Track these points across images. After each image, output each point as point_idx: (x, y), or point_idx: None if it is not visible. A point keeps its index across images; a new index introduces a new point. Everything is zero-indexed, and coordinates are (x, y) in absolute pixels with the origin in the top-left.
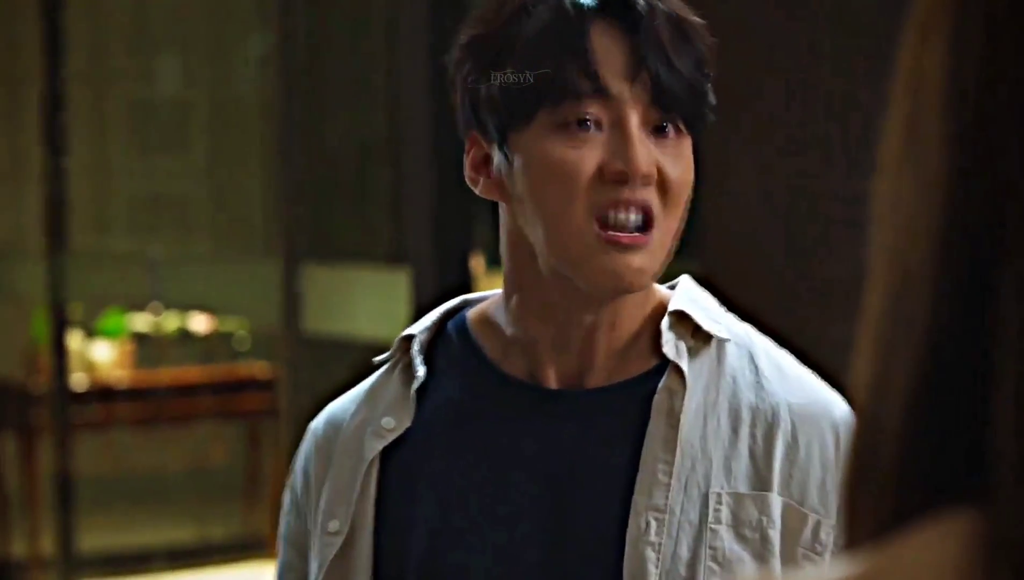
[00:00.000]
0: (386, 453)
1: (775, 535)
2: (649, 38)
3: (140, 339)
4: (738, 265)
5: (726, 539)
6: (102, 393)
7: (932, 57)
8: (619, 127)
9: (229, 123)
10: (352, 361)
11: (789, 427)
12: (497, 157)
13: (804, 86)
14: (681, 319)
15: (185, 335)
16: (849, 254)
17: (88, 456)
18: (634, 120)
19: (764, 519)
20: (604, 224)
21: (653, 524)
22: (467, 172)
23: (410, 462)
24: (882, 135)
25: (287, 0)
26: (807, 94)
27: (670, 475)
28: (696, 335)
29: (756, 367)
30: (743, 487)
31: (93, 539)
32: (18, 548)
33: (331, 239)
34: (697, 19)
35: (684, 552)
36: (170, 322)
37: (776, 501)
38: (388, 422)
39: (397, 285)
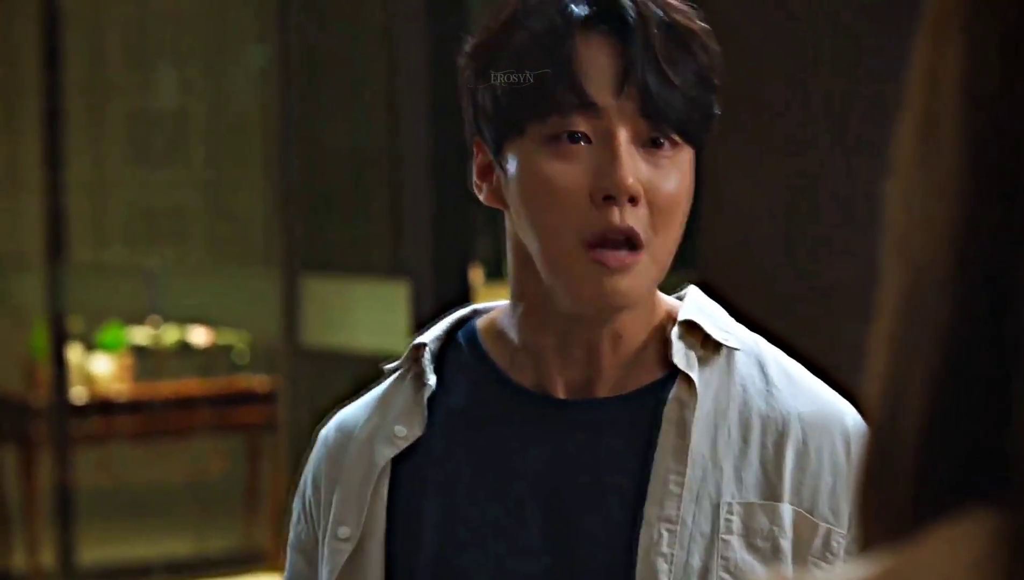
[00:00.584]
0: (396, 460)
1: (786, 544)
2: (641, 48)
3: (139, 352)
4: (737, 267)
5: (737, 549)
6: (102, 406)
7: (947, 59)
8: (607, 142)
9: (228, 135)
10: (351, 373)
11: (800, 436)
12: (496, 166)
13: (804, 86)
14: (691, 329)
15: (184, 348)
16: (849, 255)
17: (87, 469)
18: (623, 134)
19: (775, 528)
20: (592, 244)
21: (665, 535)
22: (473, 179)
23: (420, 470)
24: (895, 137)
25: (285, 12)
26: (807, 94)
27: (682, 486)
28: (706, 345)
29: (766, 376)
30: (754, 496)
31: (93, 552)
32: (18, 561)
33: (330, 251)
34: (701, 26)
35: (696, 562)
36: (169, 335)
37: (787, 510)
38: (400, 430)
39: (396, 297)
